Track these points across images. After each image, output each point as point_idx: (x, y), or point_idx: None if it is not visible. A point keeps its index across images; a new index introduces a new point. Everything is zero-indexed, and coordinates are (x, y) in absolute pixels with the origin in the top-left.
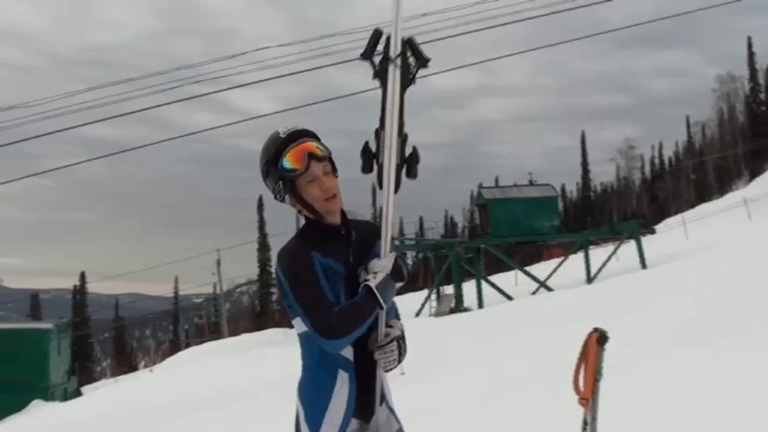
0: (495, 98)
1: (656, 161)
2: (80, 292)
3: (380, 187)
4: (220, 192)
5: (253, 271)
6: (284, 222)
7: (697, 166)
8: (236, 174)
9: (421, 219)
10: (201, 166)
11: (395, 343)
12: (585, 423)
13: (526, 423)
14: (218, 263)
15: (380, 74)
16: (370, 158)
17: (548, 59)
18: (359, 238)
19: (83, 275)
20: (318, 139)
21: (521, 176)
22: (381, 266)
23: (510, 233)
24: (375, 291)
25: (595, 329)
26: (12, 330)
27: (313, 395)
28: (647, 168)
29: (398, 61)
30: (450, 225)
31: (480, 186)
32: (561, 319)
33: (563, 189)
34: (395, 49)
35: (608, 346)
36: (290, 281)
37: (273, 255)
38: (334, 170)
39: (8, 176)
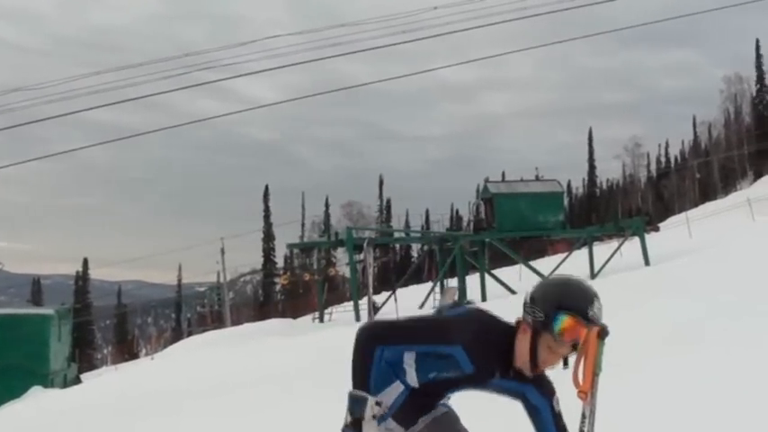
0: (501, 92)
1: (662, 159)
2: (82, 278)
3: None
4: (225, 180)
5: (257, 260)
6: (290, 212)
7: (702, 165)
8: (241, 162)
9: (427, 211)
10: (206, 153)
11: None
12: (584, 416)
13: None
14: (222, 251)
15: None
16: None
17: (554, 55)
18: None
19: (85, 261)
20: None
21: (527, 171)
22: None
23: (515, 227)
24: None
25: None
26: (12, 316)
27: (380, 379)
28: (653, 166)
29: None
30: (455, 218)
31: (486, 180)
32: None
33: (569, 185)
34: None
35: (610, 342)
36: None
37: (278, 244)
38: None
39: (12, 159)
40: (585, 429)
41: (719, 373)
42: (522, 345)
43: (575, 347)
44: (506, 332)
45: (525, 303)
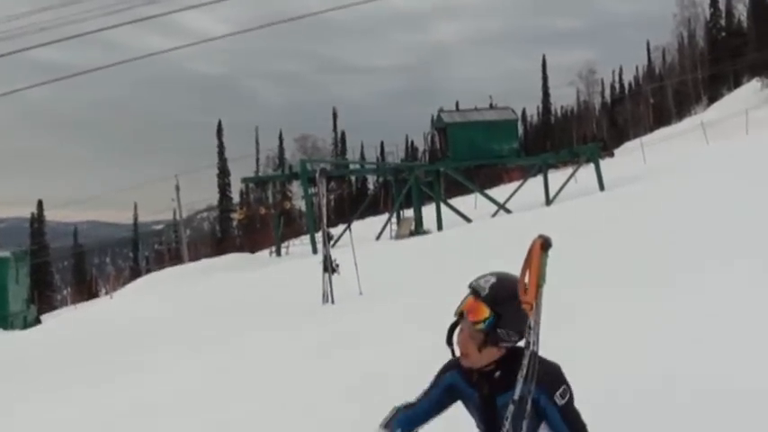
0: (453, 20)
1: (617, 85)
2: (38, 220)
3: None
4: (177, 116)
5: (213, 197)
6: (244, 146)
7: (656, 90)
8: (192, 98)
9: (382, 143)
10: (156, 90)
11: None
12: (529, 327)
13: None
14: (177, 188)
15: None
16: None
17: None
18: (503, 374)
19: (40, 203)
20: (494, 301)
21: (482, 100)
22: None
23: (469, 156)
24: None
25: (540, 236)
26: None
27: None
28: (608, 92)
29: None
30: (410, 149)
31: (440, 110)
32: (519, 241)
33: (523, 113)
34: None
35: (564, 262)
36: None
37: (233, 179)
38: (493, 342)
39: None
40: (531, 340)
41: (684, 282)
42: None
43: (461, 314)
44: None
45: None
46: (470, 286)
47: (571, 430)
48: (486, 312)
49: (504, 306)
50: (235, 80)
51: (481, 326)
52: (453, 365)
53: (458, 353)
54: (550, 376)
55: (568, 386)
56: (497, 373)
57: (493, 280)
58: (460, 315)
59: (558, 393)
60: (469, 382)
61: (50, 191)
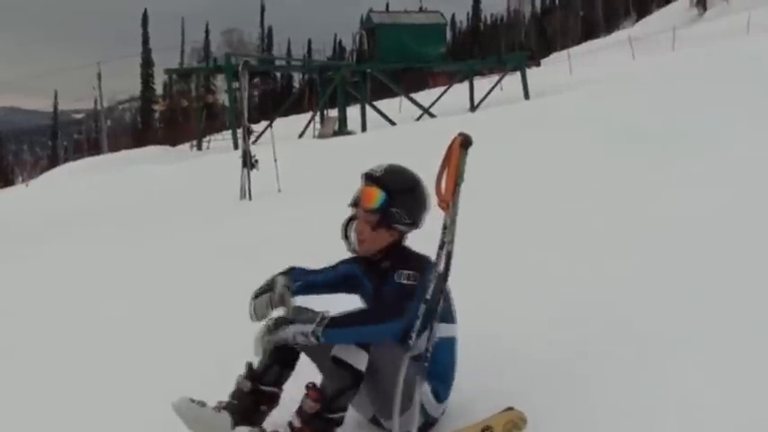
0: None
1: None
2: None
3: None
4: (101, 2)
5: (135, 87)
6: (169, 39)
7: (586, 2)
8: None
9: (309, 41)
10: None
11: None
12: (445, 227)
13: None
14: (99, 76)
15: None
16: None
17: None
18: (390, 264)
19: None
20: (386, 181)
21: (412, 2)
22: None
23: (396, 59)
24: None
25: (460, 133)
26: None
27: None
28: (538, 2)
29: None
30: (338, 49)
31: (370, 10)
32: (441, 144)
33: (453, 18)
34: None
35: (486, 166)
36: None
37: (157, 70)
38: (386, 223)
39: None
40: (446, 240)
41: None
42: None
43: (356, 202)
44: None
45: None
46: (364, 174)
47: (381, 302)
48: (378, 193)
49: (395, 186)
50: None
51: (375, 205)
52: (352, 259)
53: (353, 246)
54: (412, 263)
55: (422, 278)
56: (385, 263)
57: (385, 165)
58: (355, 205)
59: (402, 272)
60: (366, 272)
61: None
